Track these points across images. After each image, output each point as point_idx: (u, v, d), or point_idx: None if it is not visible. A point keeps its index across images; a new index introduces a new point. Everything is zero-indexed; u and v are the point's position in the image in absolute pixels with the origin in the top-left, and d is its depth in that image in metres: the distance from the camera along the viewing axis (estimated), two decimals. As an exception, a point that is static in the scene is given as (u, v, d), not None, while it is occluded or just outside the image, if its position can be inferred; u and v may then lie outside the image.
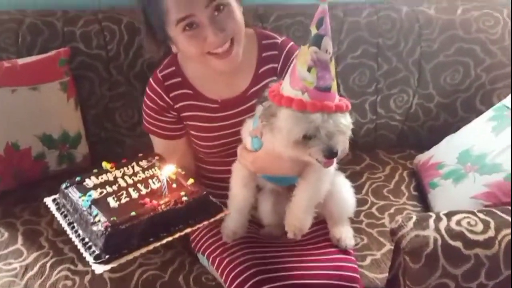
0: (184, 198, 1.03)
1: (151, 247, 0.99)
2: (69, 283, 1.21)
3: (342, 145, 0.98)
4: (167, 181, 1.07)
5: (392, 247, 1.16)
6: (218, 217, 1.08)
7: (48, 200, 1.14)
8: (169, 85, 1.26)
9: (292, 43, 1.29)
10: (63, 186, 1.10)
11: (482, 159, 1.36)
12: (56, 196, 1.13)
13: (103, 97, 1.65)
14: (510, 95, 1.46)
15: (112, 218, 0.97)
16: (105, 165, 1.15)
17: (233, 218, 1.14)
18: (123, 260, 0.96)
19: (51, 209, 1.12)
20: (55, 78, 1.54)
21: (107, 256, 0.95)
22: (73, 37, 1.60)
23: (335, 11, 1.67)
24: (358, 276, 1.12)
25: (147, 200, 1.03)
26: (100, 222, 0.97)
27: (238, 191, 1.15)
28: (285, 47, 1.26)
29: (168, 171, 1.08)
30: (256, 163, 1.10)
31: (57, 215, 1.09)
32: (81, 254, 1.00)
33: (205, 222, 1.06)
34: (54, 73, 1.54)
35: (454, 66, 1.68)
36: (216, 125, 1.26)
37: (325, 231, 1.23)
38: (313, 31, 0.96)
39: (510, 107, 1.41)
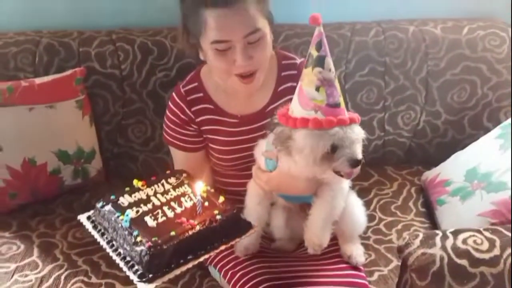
0: (218, 217, 1.06)
1: (190, 265, 1.02)
2: (83, 296, 1.25)
3: (360, 154, 1.04)
4: (200, 200, 1.09)
5: (399, 263, 1.18)
6: (248, 234, 1.11)
7: (83, 218, 1.15)
8: (191, 100, 1.30)
9: None
10: (99, 205, 1.11)
11: (489, 177, 1.38)
12: (90, 213, 1.14)
13: (116, 114, 1.69)
14: (516, 113, 1.49)
15: (153, 238, 0.99)
16: (136, 183, 1.16)
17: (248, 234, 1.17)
18: (165, 278, 0.99)
19: (86, 227, 1.12)
20: (71, 97, 1.59)
21: (150, 275, 0.98)
22: (88, 57, 1.65)
23: (343, 31, 1.71)
24: (369, 291, 1.14)
25: (183, 219, 1.05)
26: (142, 242, 0.99)
27: (253, 209, 1.18)
28: (302, 67, 1.30)
29: (199, 189, 1.10)
30: (270, 183, 1.13)
31: (94, 233, 1.10)
32: (103, 267, 1.01)
33: (238, 239, 1.09)
34: (70, 92, 1.59)
35: (461, 84, 1.70)
36: (235, 139, 1.30)
37: (336, 247, 1.25)
38: (314, 53, 1.02)
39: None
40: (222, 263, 1.23)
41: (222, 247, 1.06)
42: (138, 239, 1.00)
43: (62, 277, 1.30)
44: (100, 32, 1.71)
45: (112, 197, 1.12)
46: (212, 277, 1.30)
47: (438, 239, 1.10)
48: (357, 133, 1.03)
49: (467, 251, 1.07)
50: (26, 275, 1.30)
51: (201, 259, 1.03)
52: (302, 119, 1.01)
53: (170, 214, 1.08)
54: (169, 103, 1.34)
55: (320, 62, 1.01)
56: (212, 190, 1.15)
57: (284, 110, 1.08)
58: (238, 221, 1.11)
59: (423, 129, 1.74)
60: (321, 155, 1.01)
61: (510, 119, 1.49)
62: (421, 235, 1.13)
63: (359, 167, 1.05)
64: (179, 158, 1.36)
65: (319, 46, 1.02)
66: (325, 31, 1.67)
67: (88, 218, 1.14)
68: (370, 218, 1.51)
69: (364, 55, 1.70)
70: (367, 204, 1.56)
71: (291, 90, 1.28)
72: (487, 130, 1.56)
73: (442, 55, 1.70)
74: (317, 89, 1.01)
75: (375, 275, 1.30)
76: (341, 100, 1.03)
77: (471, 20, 1.75)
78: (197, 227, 1.04)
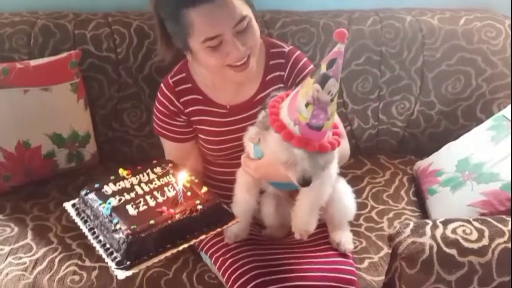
0: (199, 207, 1.08)
1: (168, 253, 1.04)
2: (76, 278, 1.26)
3: (319, 176, 1.04)
4: (182, 189, 1.11)
5: (390, 251, 1.20)
6: (230, 224, 1.13)
7: (68, 205, 1.17)
8: (179, 91, 1.30)
9: (298, 52, 1.33)
10: (83, 192, 1.13)
11: (480, 167, 1.40)
12: (75, 201, 1.17)
13: (112, 98, 1.69)
14: (509, 106, 1.50)
15: (132, 226, 1.01)
16: (122, 171, 1.18)
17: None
18: (143, 266, 1.01)
19: (71, 214, 1.15)
20: (66, 79, 1.58)
21: (128, 262, 1.00)
22: (83, 40, 1.64)
23: (340, 19, 1.71)
24: (355, 278, 1.16)
25: (164, 208, 1.07)
26: (121, 229, 1.01)
27: (242, 197, 1.20)
28: (292, 55, 1.30)
29: (182, 179, 1.12)
30: (259, 170, 1.14)
31: (78, 220, 1.13)
32: (95, 253, 1.04)
33: (219, 229, 1.11)
34: (65, 75, 1.58)
35: (455, 75, 1.71)
36: (224, 129, 1.30)
37: (325, 234, 1.27)
38: (323, 69, 0.96)
39: (510, 118, 1.44)
40: (212, 249, 1.25)
41: (203, 237, 1.08)
42: (118, 226, 1.03)
43: (56, 260, 1.31)
44: (96, 14, 1.70)
45: (96, 185, 1.14)
46: (204, 262, 1.32)
47: (428, 229, 1.12)
48: (317, 163, 1.00)
49: (456, 240, 1.09)
50: (20, 258, 1.31)
51: (180, 248, 1.05)
52: (280, 124, 1.01)
53: (151, 203, 1.09)
54: (158, 94, 1.33)
55: (322, 80, 0.95)
56: (196, 180, 1.16)
57: (281, 97, 1.08)
58: (220, 211, 1.12)
59: (417, 119, 1.75)
60: (275, 161, 1.03)
61: (502, 112, 1.51)
62: (411, 224, 1.15)
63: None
64: (169, 148, 1.37)
65: (330, 65, 0.95)
66: (323, 18, 1.70)
67: (73, 205, 1.17)
68: (362, 206, 1.53)
69: (360, 44, 1.70)
70: (360, 192, 1.59)
71: (279, 79, 1.29)
72: (480, 122, 1.58)
73: (438, 45, 1.70)
74: (307, 105, 0.97)
75: (366, 262, 1.32)
76: (326, 123, 0.99)
77: (468, 11, 1.75)
78: (177, 216, 1.05)
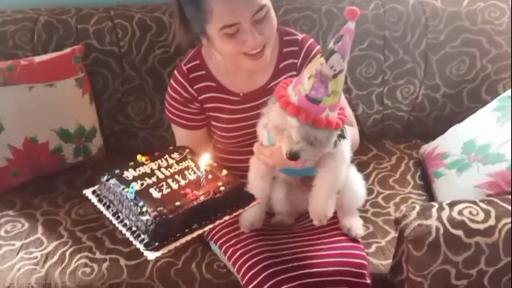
0: (222, 188, 1.09)
1: (195, 234, 1.05)
2: (87, 270, 1.28)
3: (308, 155, 1.03)
4: (204, 172, 1.12)
5: (397, 235, 1.20)
6: (251, 205, 1.14)
7: (88, 192, 1.18)
8: (193, 78, 1.31)
9: (312, 40, 1.33)
10: (104, 178, 1.14)
11: (486, 149, 1.39)
12: (95, 187, 1.17)
13: (116, 91, 1.70)
14: (513, 86, 1.49)
15: (159, 208, 1.02)
16: (140, 157, 1.19)
17: (251, 210, 1.18)
18: (171, 246, 1.02)
19: (92, 201, 1.15)
20: (71, 75, 1.60)
21: (156, 244, 1.01)
22: (86, 34, 1.65)
23: (342, 4, 1.70)
24: (366, 263, 1.17)
25: (188, 190, 1.08)
26: (148, 212, 1.02)
27: (256, 184, 1.20)
28: (305, 43, 1.30)
29: (203, 162, 1.13)
30: (273, 157, 1.14)
31: (100, 206, 1.14)
32: (105, 245, 1.04)
33: (241, 210, 1.12)
34: (70, 70, 1.59)
35: (460, 57, 1.70)
36: (237, 116, 1.31)
37: (334, 220, 1.27)
38: (330, 44, 0.99)
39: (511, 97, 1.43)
40: (222, 240, 1.25)
41: (226, 218, 1.09)
42: (144, 209, 1.03)
43: (67, 253, 1.33)
44: (98, 8, 1.70)
45: (117, 171, 1.15)
46: (213, 251, 1.33)
47: (434, 211, 1.12)
48: (315, 137, 1.00)
49: (463, 221, 1.09)
50: (32, 252, 1.33)
51: (206, 228, 1.07)
52: (280, 95, 1.03)
53: (174, 186, 1.10)
54: (171, 81, 1.34)
55: (328, 54, 0.98)
56: (215, 164, 1.18)
57: (290, 80, 1.09)
58: (241, 193, 1.13)
59: (422, 102, 1.74)
60: (271, 127, 1.04)
61: (508, 92, 1.50)
62: (417, 207, 1.15)
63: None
64: (181, 136, 1.38)
65: (337, 41, 0.97)
66: (325, 4, 1.69)
67: (93, 192, 1.17)
68: (369, 191, 1.52)
69: (363, 29, 1.69)
70: (366, 178, 1.57)
71: (293, 67, 1.30)
72: (485, 103, 1.56)
73: (441, 27, 1.69)
74: (309, 77, 0.99)
75: (373, 247, 1.32)
76: (326, 99, 0.99)
77: (471, -8, 1.73)
78: (202, 198, 1.06)
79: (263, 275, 1.11)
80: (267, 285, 1.09)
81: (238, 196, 1.12)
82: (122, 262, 1.29)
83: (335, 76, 0.98)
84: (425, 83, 1.73)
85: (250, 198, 1.15)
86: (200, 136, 1.37)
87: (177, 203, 1.04)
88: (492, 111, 1.47)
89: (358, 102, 1.73)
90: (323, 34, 1.68)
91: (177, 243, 1.03)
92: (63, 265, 1.29)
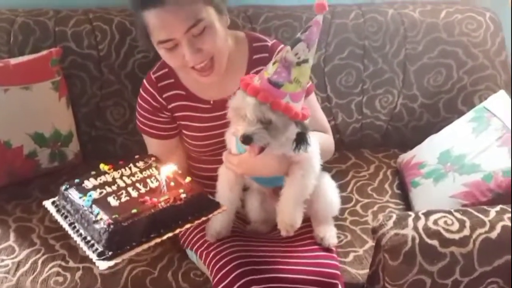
0: (183, 195, 1.07)
1: (152, 243, 1.02)
2: (60, 279, 1.25)
3: (262, 139, 1.02)
4: (165, 180, 1.10)
5: (374, 244, 1.21)
6: (216, 213, 1.11)
7: (48, 203, 1.16)
8: (162, 86, 1.29)
9: (282, 45, 1.32)
10: (63, 188, 1.12)
11: (462, 159, 1.41)
12: (55, 198, 1.15)
13: (94, 96, 1.67)
14: (490, 97, 1.51)
15: (114, 216, 1.00)
16: (103, 167, 1.17)
17: (218, 219, 1.18)
18: (126, 256, 0.99)
19: (51, 212, 1.13)
20: (47, 78, 1.56)
21: (110, 253, 0.98)
22: (64, 37, 1.62)
23: (324, 13, 1.70)
24: (338, 272, 1.16)
25: (147, 198, 1.06)
26: (103, 220, 0.99)
27: (224, 194, 1.19)
28: (275, 49, 1.29)
29: (166, 170, 1.11)
30: (241, 165, 1.14)
31: (58, 216, 1.11)
32: (80, 251, 1.02)
33: (204, 218, 1.10)
34: (46, 73, 1.56)
35: (437, 68, 1.73)
36: (208, 125, 1.30)
37: (309, 229, 1.27)
38: (298, 34, 1.03)
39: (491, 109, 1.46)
40: (197, 244, 1.25)
41: (188, 226, 1.07)
42: (99, 217, 1.01)
43: (39, 262, 1.29)
44: (77, 11, 1.68)
45: (77, 180, 1.13)
46: (190, 259, 1.32)
47: (410, 220, 1.13)
48: (264, 114, 0.99)
49: (438, 231, 1.10)
50: (3, 260, 1.30)
51: (164, 237, 1.04)
52: (244, 80, 1.05)
53: (134, 194, 1.08)
54: (141, 90, 1.33)
55: (294, 42, 1.02)
56: (180, 171, 1.16)
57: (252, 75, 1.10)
58: (204, 200, 1.11)
59: (400, 112, 1.76)
60: (231, 108, 1.05)
61: (483, 103, 1.53)
62: (394, 216, 1.16)
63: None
64: (152, 145, 1.36)
65: (304, 30, 1.02)
66: (306, 12, 1.70)
67: (53, 203, 1.15)
68: (347, 200, 1.54)
69: (343, 37, 1.71)
70: (345, 186, 1.60)
71: None
72: (461, 114, 1.59)
73: (419, 38, 1.71)
74: (274, 63, 1.03)
75: (351, 256, 1.33)
76: (288, 85, 1.00)
77: (449, 4, 1.76)
78: (160, 205, 1.04)
79: (233, 274, 1.10)
80: (237, 285, 1.08)
81: (201, 203, 1.10)
82: (96, 271, 1.26)
83: (299, 64, 1.01)
84: (403, 93, 1.75)
85: (215, 205, 1.13)
86: (172, 146, 1.35)
87: (134, 211, 1.01)
88: (468, 122, 1.49)
89: (338, 111, 1.75)
90: (304, 42, 1.69)
91: (132, 252, 1.00)
92: (35, 273, 1.26)
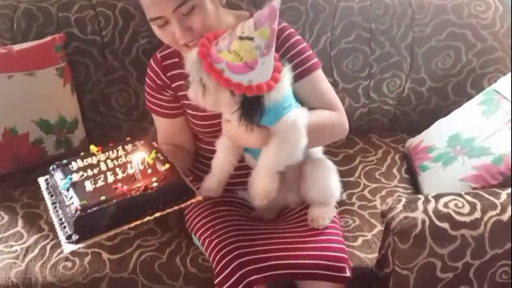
0: (155, 184, 1.08)
1: (119, 229, 1.05)
2: (69, 264, 1.25)
3: (195, 93, 1.05)
4: (144, 166, 1.11)
5: (383, 228, 1.20)
6: (189, 202, 1.12)
7: (41, 180, 1.21)
8: (166, 65, 1.30)
9: (290, 29, 1.29)
10: (51, 167, 1.16)
11: (471, 142, 1.40)
12: (47, 176, 1.20)
13: (98, 82, 1.66)
14: (500, 80, 1.49)
15: (82, 202, 1.03)
16: (92, 148, 1.19)
17: (210, 177, 1.21)
18: (90, 241, 1.03)
19: (41, 188, 1.18)
20: (51, 64, 1.55)
21: (76, 237, 1.02)
22: (68, 23, 1.61)
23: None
24: (345, 256, 1.15)
25: (119, 185, 1.08)
26: (73, 204, 1.03)
27: (219, 153, 1.21)
28: (283, 32, 1.26)
29: (140, 156, 1.12)
30: (228, 133, 1.15)
31: (45, 194, 1.16)
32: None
33: (176, 207, 1.10)
34: (50, 59, 1.55)
35: (445, 51, 1.70)
36: None
37: None
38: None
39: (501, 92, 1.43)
40: (200, 231, 1.24)
41: (157, 214, 1.08)
42: (71, 201, 1.04)
43: (48, 247, 1.29)
44: (80, -4, 1.66)
45: (65, 161, 1.16)
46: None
47: (420, 203, 1.12)
48: (200, 75, 1.03)
49: (449, 214, 1.09)
50: (11, 246, 1.30)
51: (132, 225, 1.06)
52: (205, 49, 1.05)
53: (110, 179, 1.10)
54: (147, 69, 1.35)
55: (245, 19, 1.06)
56: (162, 157, 1.16)
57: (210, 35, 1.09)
58: (178, 189, 1.11)
59: (408, 96, 1.74)
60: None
61: (492, 86, 1.51)
62: (403, 200, 1.15)
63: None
64: (160, 124, 1.37)
65: (257, 12, 1.02)
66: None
67: (46, 180, 1.21)
68: (355, 185, 1.53)
69: (350, 21, 1.68)
70: (352, 171, 1.59)
71: None
72: (470, 97, 1.57)
73: (427, 21, 1.68)
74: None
75: (359, 240, 1.32)
76: (225, 53, 1.01)
77: (457, -15, 1.73)
78: (130, 194, 1.06)
79: (234, 264, 1.09)
80: (238, 274, 1.08)
81: (175, 192, 1.10)
82: (105, 256, 1.26)
83: (241, 38, 1.01)
84: (411, 76, 1.73)
85: (190, 194, 1.13)
86: (178, 125, 1.35)
87: (102, 198, 1.04)
88: (478, 105, 1.47)
89: (345, 95, 1.73)
90: (310, 25, 1.67)
91: (97, 238, 1.03)
92: (44, 259, 1.26)
